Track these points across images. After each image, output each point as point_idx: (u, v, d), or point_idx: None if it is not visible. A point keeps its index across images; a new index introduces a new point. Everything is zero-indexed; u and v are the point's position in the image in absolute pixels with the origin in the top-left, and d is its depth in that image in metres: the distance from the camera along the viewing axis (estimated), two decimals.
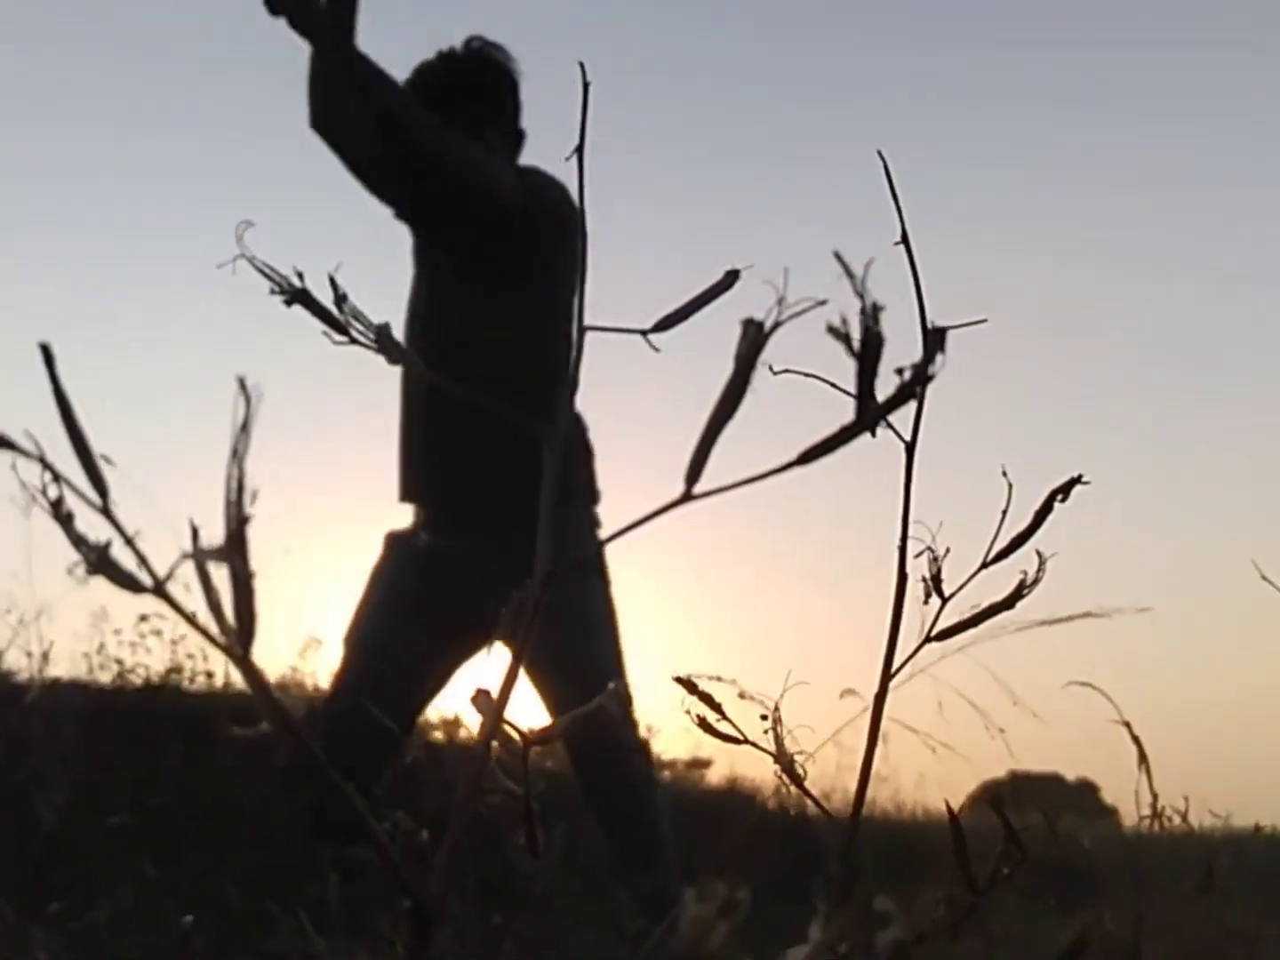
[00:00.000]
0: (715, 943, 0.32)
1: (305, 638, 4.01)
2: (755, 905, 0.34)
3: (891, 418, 0.49)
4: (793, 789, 0.77)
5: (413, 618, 2.28)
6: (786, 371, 0.49)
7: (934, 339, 0.38)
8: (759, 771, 4.60)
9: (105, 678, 3.50)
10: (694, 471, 0.40)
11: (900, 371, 0.39)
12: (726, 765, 4.65)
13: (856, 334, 0.38)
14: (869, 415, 0.38)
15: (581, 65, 0.46)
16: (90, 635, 3.57)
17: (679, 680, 0.75)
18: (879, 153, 0.79)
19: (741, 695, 0.77)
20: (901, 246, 0.57)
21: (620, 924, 1.97)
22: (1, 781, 2.48)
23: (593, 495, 2.39)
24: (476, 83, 2.41)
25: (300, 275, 0.42)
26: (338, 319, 0.43)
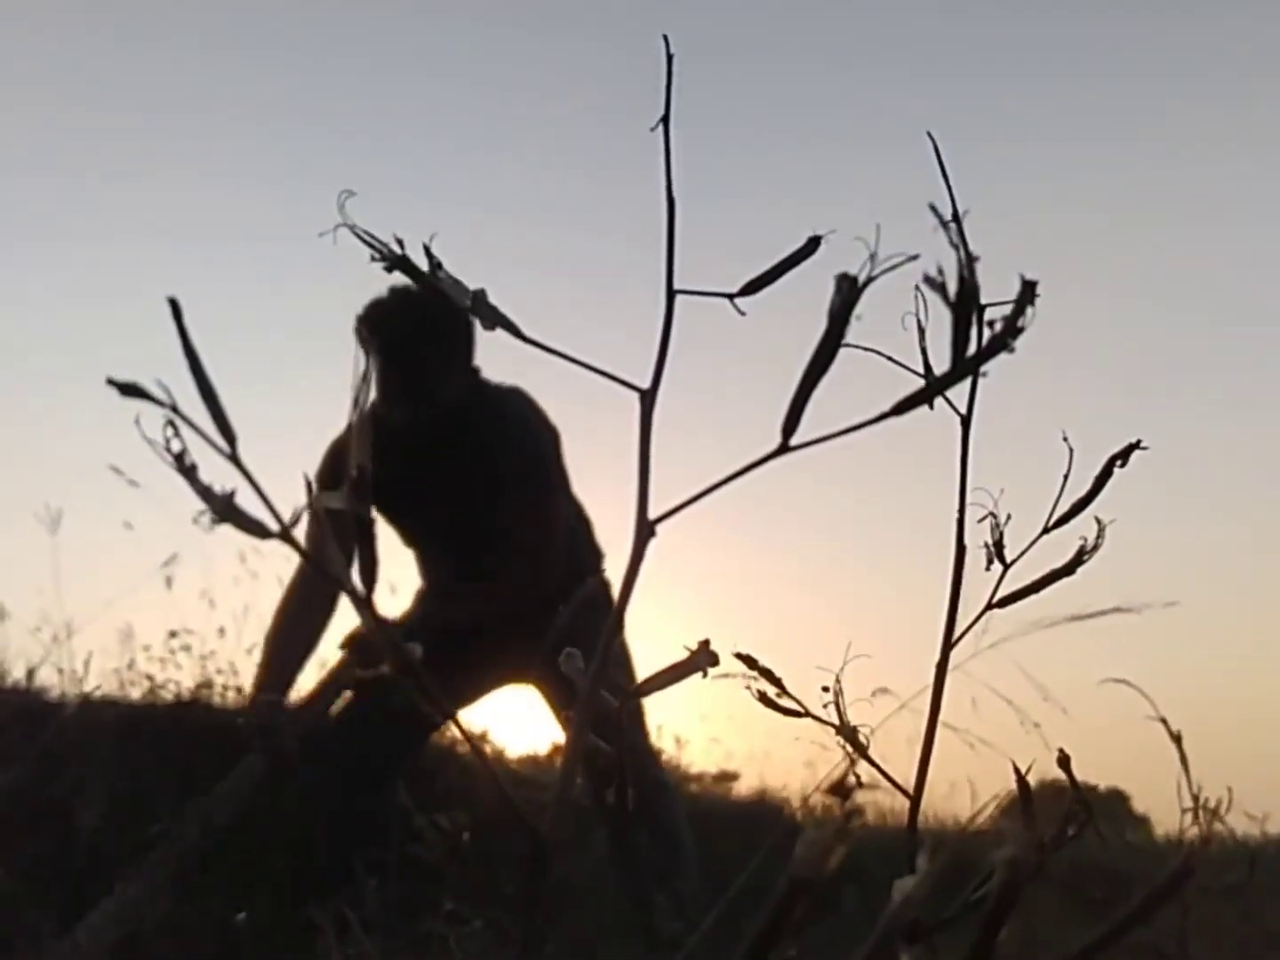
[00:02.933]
0: (834, 864, 0.33)
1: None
2: None
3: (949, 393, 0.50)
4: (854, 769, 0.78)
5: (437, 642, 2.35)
6: (848, 346, 0.50)
7: (1025, 291, 0.39)
8: (787, 783, 4.58)
9: (136, 694, 3.52)
10: (790, 423, 0.41)
11: (991, 324, 0.41)
12: (755, 777, 4.64)
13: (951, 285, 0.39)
14: (963, 365, 0.39)
15: (665, 38, 0.47)
16: (120, 652, 3.59)
17: (739, 656, 0.76)
18: (929, 134, 0.80)
19: (773, 687, 0.78)
20: (953, 226, 0.59)
21: (658, 926, 1.97)
22: (40, 796, 2.50)
23: (596, 562, 2.57)
24: (432, 327, 2.31)
25: (400, 243, 0.44)
26: (436, 284, 0.44)
